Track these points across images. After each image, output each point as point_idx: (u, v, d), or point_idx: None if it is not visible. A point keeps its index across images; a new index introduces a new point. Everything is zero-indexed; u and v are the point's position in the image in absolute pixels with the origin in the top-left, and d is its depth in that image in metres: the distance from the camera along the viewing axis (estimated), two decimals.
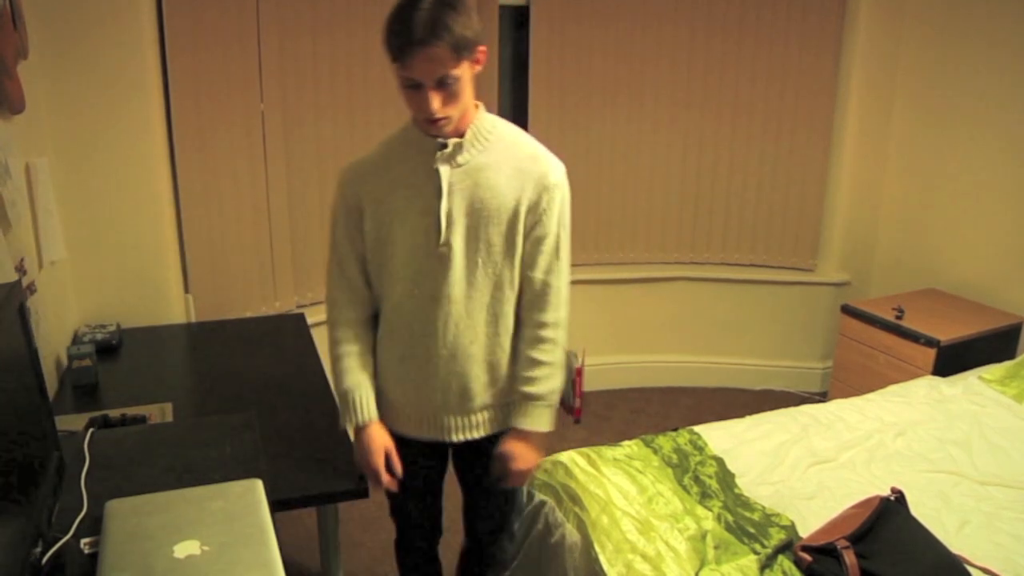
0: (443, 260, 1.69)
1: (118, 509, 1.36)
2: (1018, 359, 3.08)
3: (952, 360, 3.19)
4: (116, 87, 2.52)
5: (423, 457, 1.90)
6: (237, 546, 1.24)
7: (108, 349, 2.47)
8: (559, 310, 1.75)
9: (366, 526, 3.05)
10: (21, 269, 2.03)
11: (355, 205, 1.75)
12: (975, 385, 2.92)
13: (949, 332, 3.25)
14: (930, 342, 3.22)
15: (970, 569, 1.92)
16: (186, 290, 3.03)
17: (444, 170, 1.67)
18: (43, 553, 1.25)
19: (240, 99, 3.09)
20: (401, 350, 1.78)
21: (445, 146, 1.66)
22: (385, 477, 1.75)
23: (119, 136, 2.56)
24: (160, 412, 2.06)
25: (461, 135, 1.66)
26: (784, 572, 1.93)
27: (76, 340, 2.49)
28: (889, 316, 3.44)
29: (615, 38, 3.93)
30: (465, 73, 1.55)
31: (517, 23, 3.95)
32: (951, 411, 2.74)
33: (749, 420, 2.71)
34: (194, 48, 2.89)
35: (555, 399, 1.77)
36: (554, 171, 1.73)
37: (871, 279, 4.18)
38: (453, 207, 1.67)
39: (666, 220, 4.21)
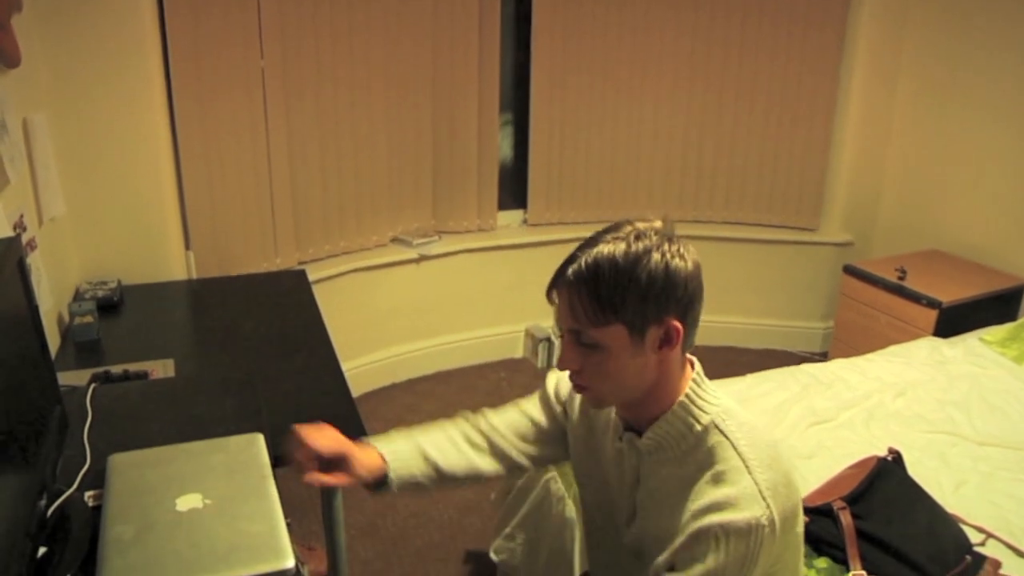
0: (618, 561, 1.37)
1: (121, 463, 1.37)
2: (1019, 321, 3.08)
3: (953, 321, 3.19)
4: (113, 40, 2.49)
5: None
6: (239, 499, 1.25)
7: (109, 306, 2.47)
8: None
9: None
10: (21, 225, 2.02)
11: (559, 408, 1.47)
12: (976, 347, 2.92)
13: (951, 293, 3.24)
14: (932, 303, 3.21)
15: (965, 528, 1.94)
16: (187, 246, 3.02)
17: (625, 465, 1.29)
18: (48, 505, 1.27)
19: (240, 54, 3.05)
20: None
21: (621, 437, 1.29)
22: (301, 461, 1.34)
23: (117, 91, 2.53)
24: (162, 368, 2.06)
25: (640, 428, 1.24)
26: None
27: (77, 297, 2.49)
28: (891, 277, 3.43)
29: None
30: (619, 345, 1.15)
31: None
32: (951, 372, 2.75)
33: (750, 379, 2.72)
34: (193, 1, 2.84)
35: None
36: (727, 511, 1.10)
37: (874, 240, 4.16)
38: (627, 511, 1.31)
39: (669, 179, 4.19)
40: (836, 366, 2.82)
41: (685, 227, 4.20)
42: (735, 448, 1.15)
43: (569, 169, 4.10)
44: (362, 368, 3.72)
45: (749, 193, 4.20)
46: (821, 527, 1.90)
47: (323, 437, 1.33)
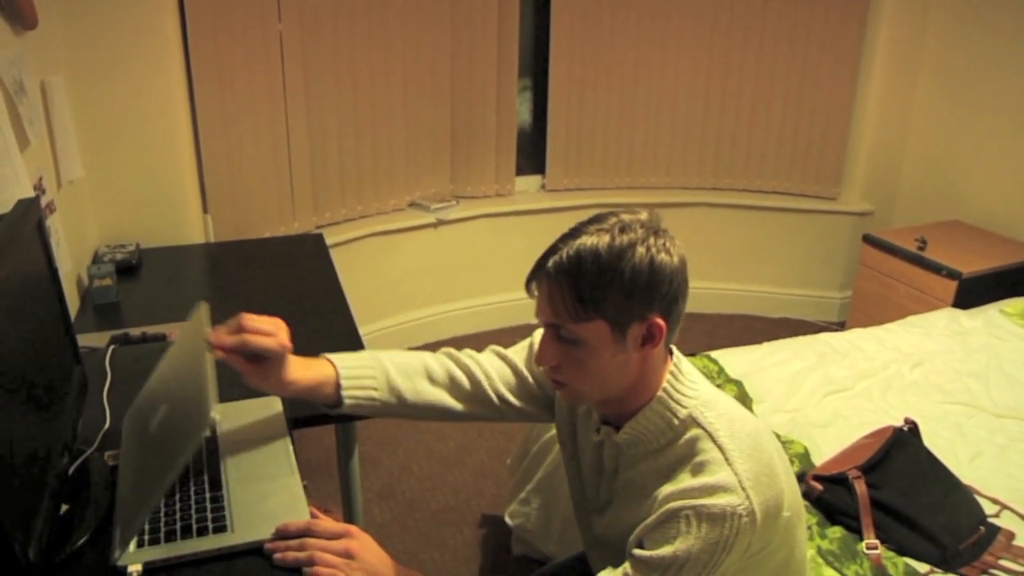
0: (590, 529, 1.39)
1: (133, 417, 1.40)
2: None
3: (973, 293, 3.16)
4: (131, 3, 2.47)
5: None
6: (190, 386, 1.24)
7: (128, 268, 2.48)
8: None
9: (383, 444, 3.11)
10: (40, 188, 2.03)
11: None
12: (996, 318, 2.90)
13: (971, 264, 3.21)
14: (952, 274, 3.18)
15: (979, 499, 1.94)
16: (204, 210, 3.03)
17: (604, 455, 1.29)
18: (69, 464, 1.28)
19: (258, 18, 3.03)
20: None
21: (599, 429, 1.27)
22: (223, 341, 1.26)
23: (135, 53, 2.52)
24: (180, 330, 2.07)
25: (617, 423, 1.23)
26: None
27: (96, 259, 2.51)
28: (911, 247, 3.40)
29: None
30: (599, 342, 1.12)
31: None
32: (970, 343, 2.73)
33: (767, 347, 2.71)
34: None
35: None
36: (702, 497, 1.08)
37: (894, 209, 4.12)
38: (601, 498, 1.32)
39: (688, 145, 4.15)
40: (853, 335, 2.81)
41: (704, 194, 4.18)
42: (714, 440, 1.13)
43: (588, 135, 4.07)
44: (379, 332, 3.74)
45: (769, 161, 4.16)
46: (835, 496, 1.90)
47: (261, 336, 1.25)
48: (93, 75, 2.49)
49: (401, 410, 1.39)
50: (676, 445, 1.16)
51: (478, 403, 1.42)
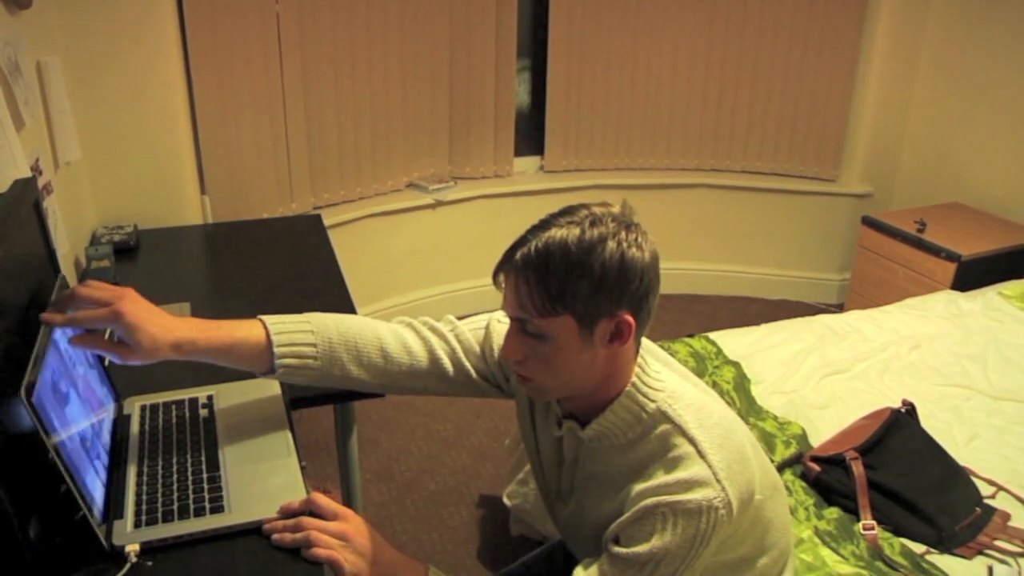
0: (556, 516, 1.38)
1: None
2: None
3: (972, 275, 3.16)
4: None
5: None
6: None
7: (126, 250, 2.47)
8: None
9: (382, 425, 3.12)
10: (37, 169, 2.02)
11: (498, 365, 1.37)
12: (994, 301, 2.90)
13: (971, 247, 3.21)
14: (951, 256, 3.18)
15: (976, 481, 1.95)
16: (202, 191, 3.02)
17: (564, 448, 1.27)
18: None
19: None
20: None
21: (560, 423, 1.25)
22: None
23: (132, 34, 2.50)
24: (178, 311, 2.07)
25: (586, 419, 1.19)
26: (785, 485, 1.96)
27: (94, 241, 2.50)
28: (910, 229, 3.39)
29: None
30: (566, 338, 1.08)
31: None
32: (968, 326, 2.73)
33: (765, 328, 2.72)
34: None
35: None
36: (678, 493, 1.07)
37: (894, 191, 4.11)
38: (563, 487, 1.30)
39: (688, 126, 4.14)
40: (852, 317, 2.81)
41: (703, 175, 4.17)
42: (685, 434, 1.11)
43: (587, 116, 4.06)
44: (378, 313, 3.74)
45: (768, 142, 4.14)
46: (833, 477, 1.91)
47: (91, 313, 1.16)
48: (90, 56, 2.48)
49: (343, 383, 1.33)
50: (646, 440, 1.14)
51: (434, 379, 1.36)
